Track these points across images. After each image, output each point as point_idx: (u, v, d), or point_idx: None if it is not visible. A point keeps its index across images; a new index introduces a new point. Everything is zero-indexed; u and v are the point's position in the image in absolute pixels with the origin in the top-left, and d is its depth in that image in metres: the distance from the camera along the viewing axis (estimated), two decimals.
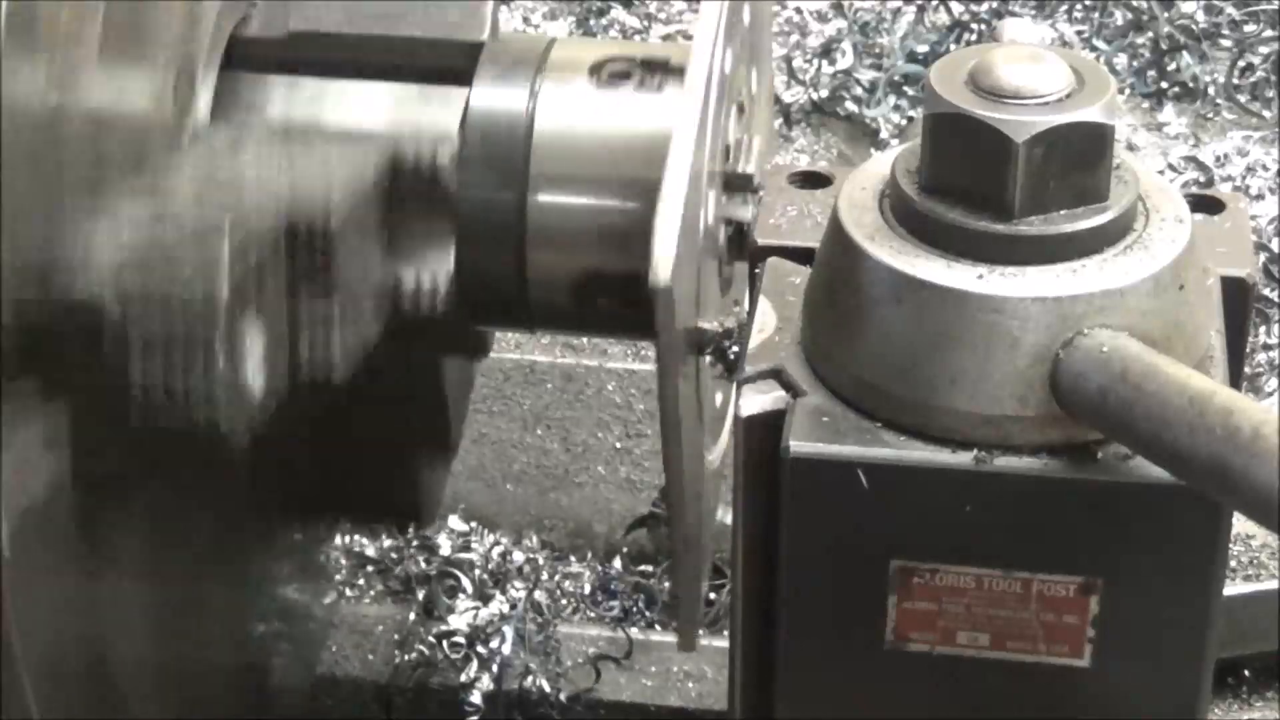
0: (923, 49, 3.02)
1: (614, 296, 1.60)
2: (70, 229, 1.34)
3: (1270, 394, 2.39)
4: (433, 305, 1.59)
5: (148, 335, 1.37)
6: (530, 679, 1.99)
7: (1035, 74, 1.25)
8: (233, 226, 1.40)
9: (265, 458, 1.60)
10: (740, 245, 1.50)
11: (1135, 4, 3.11)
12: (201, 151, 1.48)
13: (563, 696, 1.99)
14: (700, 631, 2.08)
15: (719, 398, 1.53)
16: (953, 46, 3.01)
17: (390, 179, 1.55)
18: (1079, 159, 1.25)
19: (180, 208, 1.40)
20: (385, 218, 1.55)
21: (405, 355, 1.70)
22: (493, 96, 1.59)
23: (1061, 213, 1.25)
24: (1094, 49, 3.04)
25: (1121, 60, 3.04)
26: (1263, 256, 2.60)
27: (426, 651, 2.02)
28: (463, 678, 2.00)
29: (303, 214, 1.46)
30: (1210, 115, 2.96)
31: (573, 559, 2.17)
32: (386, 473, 1.84)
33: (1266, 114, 2.95)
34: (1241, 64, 3.04)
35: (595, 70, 1.60)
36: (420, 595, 2.08)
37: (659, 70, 1.59)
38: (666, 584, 2.09)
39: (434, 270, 1.58)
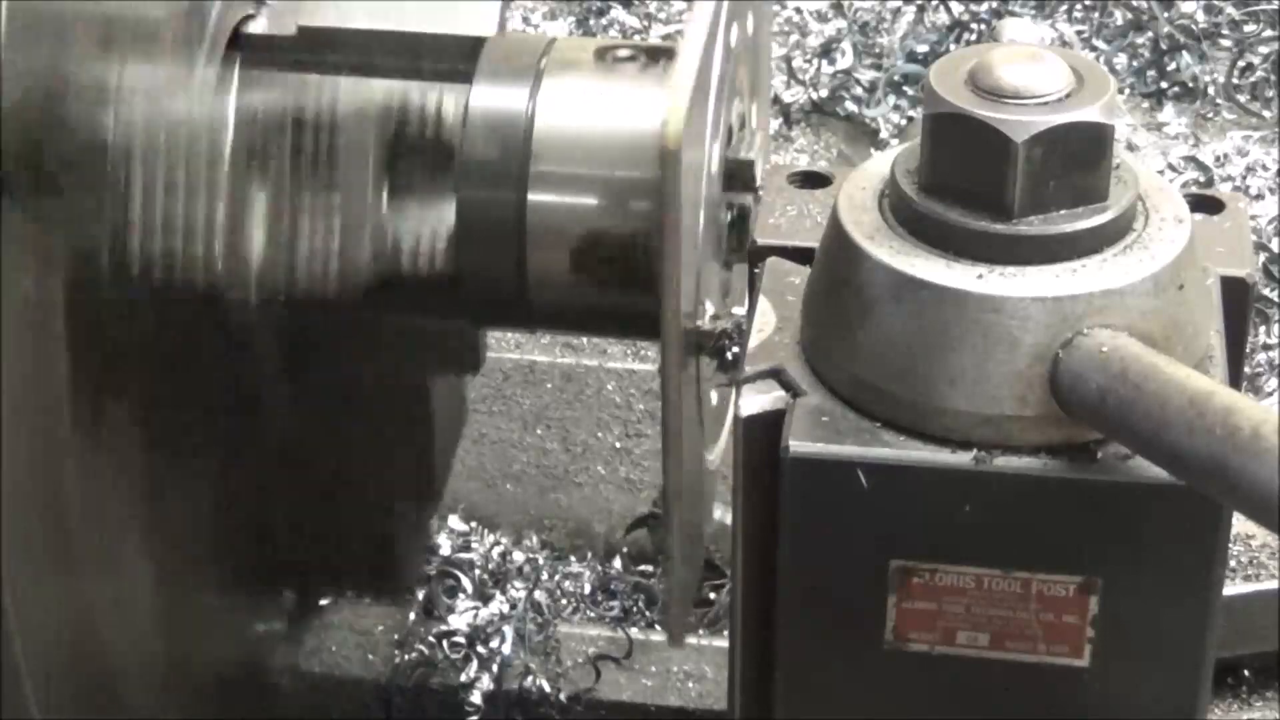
0: (923, 49, 3.01)
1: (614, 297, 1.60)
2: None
3: (1270, 394, 2.39)
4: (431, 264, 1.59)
5: (152, 179, 1.42)
6: (530, 679, 1.99)
7: (1035, 74, 1.25)
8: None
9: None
10: (742, 232, 1.50)
11: (1135, 4, 3.11)
12: None
13: (563, 696, 1.99)
14: (700, 631, 2.08)
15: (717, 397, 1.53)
16: (953, 46, 3.01)
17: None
18: (1079, 159, 1.25)
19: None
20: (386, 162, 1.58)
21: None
22: (493, 95, 1.58)
23: (1061, 213, 1.25)
24: (1094, 49, 3.03)
25: (1121, 60, 3.03)
26: (1263, 256, 2.60)
27: (426, 651, 2.02)
28: (463, 678, 2.00)
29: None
30: (1210, 115, 2.96)
31: (573, 559, 2.17)
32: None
33: (1266, 114, 2.95)
34: (1241, 64, 3.03)
35: (600, 55, 1.61)
36: (420, 595, 2.08)
37: (662, 56, 1.59)
38: None
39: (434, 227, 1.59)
